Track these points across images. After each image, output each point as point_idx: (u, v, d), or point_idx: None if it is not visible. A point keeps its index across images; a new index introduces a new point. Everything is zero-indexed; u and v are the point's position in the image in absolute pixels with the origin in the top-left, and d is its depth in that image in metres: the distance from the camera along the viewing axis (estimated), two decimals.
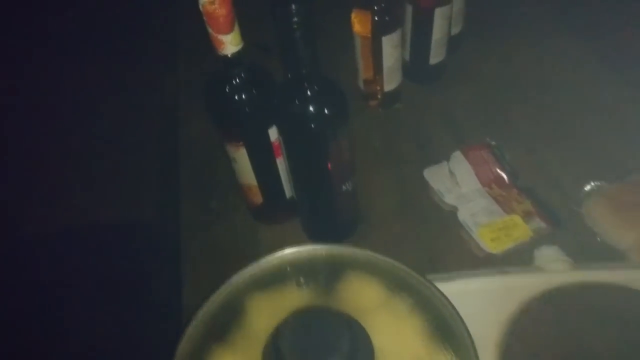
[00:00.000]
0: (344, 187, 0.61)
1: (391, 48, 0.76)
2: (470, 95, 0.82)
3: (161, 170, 0.81)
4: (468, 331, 0.42)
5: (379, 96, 0.83)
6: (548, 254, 0.59)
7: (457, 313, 0.42)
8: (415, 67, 0.85)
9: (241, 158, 0.61)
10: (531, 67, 0.85)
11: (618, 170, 0.67)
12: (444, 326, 0.43)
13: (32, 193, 0.99)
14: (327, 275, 0.47)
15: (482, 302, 0.54)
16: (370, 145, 0.78)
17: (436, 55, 0.84)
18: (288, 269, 0.47)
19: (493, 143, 0.71)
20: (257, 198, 0.67)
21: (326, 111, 0.55)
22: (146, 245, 0.94)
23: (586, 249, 0.62)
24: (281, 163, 0.63)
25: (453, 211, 0.67)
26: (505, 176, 0.68)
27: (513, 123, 0.76)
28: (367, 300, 0.45)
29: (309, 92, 0.53)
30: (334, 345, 0.35)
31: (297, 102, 0.54)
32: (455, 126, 0.77)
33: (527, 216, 0.64)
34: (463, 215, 0.65)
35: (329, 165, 0.59)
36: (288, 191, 0.67)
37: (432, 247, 0.64)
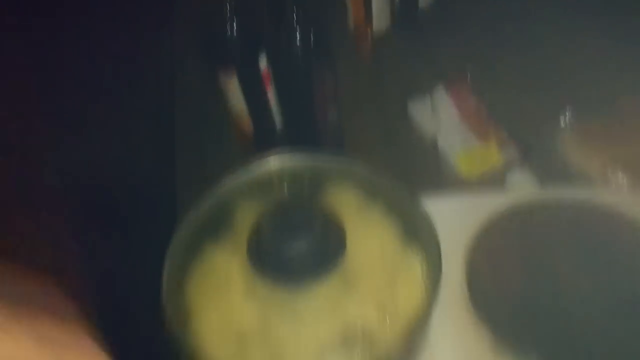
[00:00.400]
0: (328, 115, 0.65)
1: None
2: (456, 36, 0.85)
3: (157, 114, 0.84)
4: (436, 232, 0.46)
5: (368, 38, 0.86)
6: (518, 177, 0.64)
7: (428, 215, 0.47)
8: (404, 10, 0.88)
9: (233, 88, 0.65)
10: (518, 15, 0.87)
11: (592, 103, 0.70)
12: (415, 229, 0.48)
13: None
14: (309, 182, 0.51)
15: (452, 219, 0.58)
16: (357, 81, 0.81)
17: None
18: (273, 176, 0.51)
19: (473, 78, 0.75)
20: (248, 130, 0.71)
21: (310, 39, 0.58)
22: (142, 191, 0.98)
23: (556, 176, 0.66)
24: (272, 94, 0.67)
25: (432, 141, 0.71)
26: (483, 108, 0.72)
27: (494, 60, 0.79)
28: (345, 204, 0.49)
29: (295, 21, 0.56)
30: (306, 228, 0.40)
31: (283, 30, 0.58)
32: (438, 64, 0.81)
33: (501, 145, 0.68)
34: (442, 143, 0.69)
35: (314, 94, 0.63)
36: (279, 123, 0.71)
37: (411, 173, 0.69)
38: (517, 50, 0.79)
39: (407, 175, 0.68)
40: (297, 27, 0.57)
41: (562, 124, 0.69)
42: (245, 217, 0.49)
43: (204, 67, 0.73)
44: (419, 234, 0.47)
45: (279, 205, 0.42)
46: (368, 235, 0.48)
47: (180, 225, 0.47)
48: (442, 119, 0.72)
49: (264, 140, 0.73)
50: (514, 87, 0.74)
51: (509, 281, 0.52)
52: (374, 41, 0.85)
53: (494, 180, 0.66)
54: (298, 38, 0.58)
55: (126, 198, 0.58)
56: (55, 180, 0.40)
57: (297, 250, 0.39)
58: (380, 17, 0.84)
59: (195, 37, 0.62)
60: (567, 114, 0.69)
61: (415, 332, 0.44)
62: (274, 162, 0.52)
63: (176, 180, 0.73)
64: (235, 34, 0.60)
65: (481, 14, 0.86)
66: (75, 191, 0.45)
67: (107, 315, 0.43)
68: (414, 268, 0.46)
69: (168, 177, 0.74)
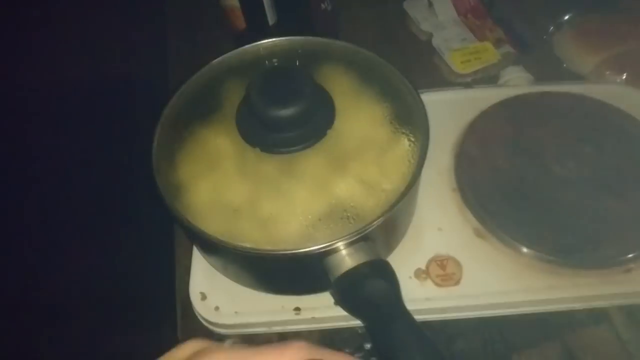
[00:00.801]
0: (322, 5, 0.63)
1: None
2: None
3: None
4: (425, 113, 0.46)
5: None
6: (512, 72, 0.63)
7: (419, 98, 0.47)
8: None
9: None
10: None
11: (589, 2, 0.69)
12: (405, 112, 0.48)
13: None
14: (301, 60, 0.50)
15: (444, 110, 0.58)
16: None
17: None
18: (264, 57, 0.51)
19: None
20: (240, 22, 0.69)
21: None
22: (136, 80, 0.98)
23: (551, 73, 0.66)
24: None
25: (428, 39, 0.70)
26: (481, 6, 0.70)
27: None
28: (337, 83, 0.49)
29: None
30: (295, 94, 0.40)
31: None
32: None
33: (497, 43, 0.67)
34: (437, 41, 0.68)
35: None
36: (271, 17, 0.69)
37: (406, 71, 0.68)
38: None
39: (402, 71, 0.68)
40: None
41: (562, 24, 0.68)
42: (235, 96, 0.48)
43: None
44: (409, 117, 0.47)
45: (268, 73, 0.42)
46: (359, 114, 0.47)
47: (170, 101, 0.47)
48: (439, 16, 0.71)
49: (257, 36, 0.71)
50: None
51: (498, 167, 0.53)
52: None
53: (489, 78, 0.66)
54: None
55: None
56: None
57: (286, 114, 0.39)
58: None
59: None
60: (567, 14, 0.68)
61: (399, 210, 0.45)
62: (266, 45, 0.51)
63: (169, 75, 0.72)
64: None
65: None
66: None
67: None
68: (402, 148, 0.46)
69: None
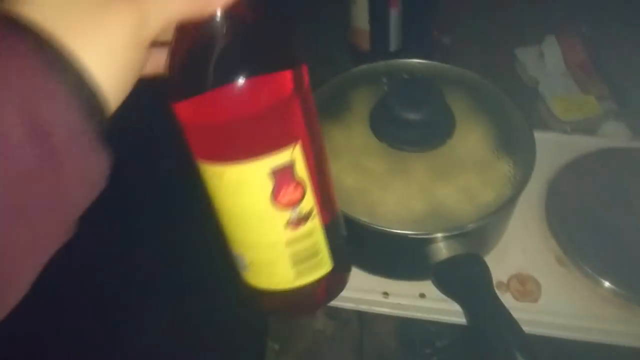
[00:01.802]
0: (444, 40, 0.71)
1: None
2: None
3: None
4: (533, 142, 0.52)
5: None
6: (612, 128, 0.67)
7: (528, 128, 0.52)
8: None
9: (361, 0, 0.72)
10: None
11: None
12: (513, 137, 0.53)
13: None
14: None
15: (545, 149, 0.61)
16: (469, 23, 0.85)
17: None
18: (388, 74, 0.58)
19: (588, 32, 0.77)
20: (365, 44, 0.77)
21: None
22: None
23: None
24: (394, 13, 0.73)
25: (533, 85, 0.75)
26: (589, 62, 0.75)
27: (609, 18, 0.81)
28: (454, 102, 0.55)
29: None
30: (427, 103, 0.47)
31: None
32: (554, 16, 0.83)
33: (601, 98, 0.71)
34: (542, 87, 0.73)
35: (435, 18, 0.68)
36: (393, 43, 0.77)
37: None
38: (634, 10, 0.80)
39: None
40: None
41: None
42: (359, 102, 0.56)
43: None
44: (516, 144, 0.53)
45: (405, 80, 0.49)
46: (472, 133, 0.53)
47: None
48: (547, 65, 0.76)
49: (379, 57, 0.79)
50: (624, 47, 0.77)
51: (587, 205, 0.57)
52: None
53: (588, 129, 0.70)
54: None
55: None
56: None
57: (416, 119, 0.46)
58: None
59: None
60: None
61: (494, 222, 0.50)
62: (390, 64, 0.59)
63: None
64: None
65: None
66: None
67: None
68: (504, 170, 0.52)
69: None
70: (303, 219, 0.30)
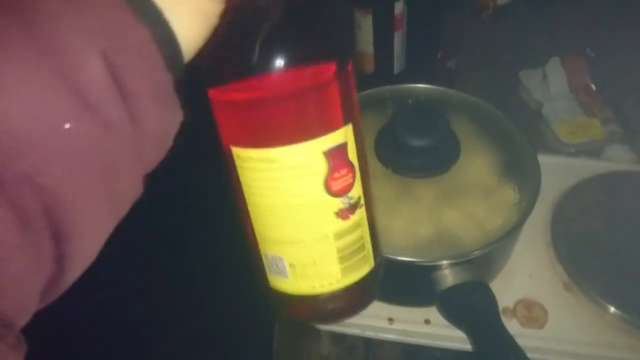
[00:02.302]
0: (448, 64, 0.71)
1: None
2: (578, 16, 0.87)
3: None
4: (539, 171, 0.52)
5: (490, 10, 0.91)
6: (616, 150, 0.67)
7: (533, 152, 0.53)
8: None
9: (366, 25, 0.73)
10: None
11: None
12: (518, 162, 0.54)
13: None
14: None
15: (550, 173, 0.61)
16: (473, 47, 0.86)
17: None
18: (392, 99, 0.59)
19: (592, 55, 0.78)
20: (369, 67, 0.78)
21: None
22: None
23: None
24: (398, 37, 0.74)
25: (537, 108, 0.75)
26: (594, 86, 0.76)
27: (614, 42, 0.81)
28: (459, 127, 0.55)
29: None
30: (433, 129, 0.47)
31: None
32: (558, 39, 0.84)
33: (605, 121, 0.72)
34: (547, 110, 0.74)
35: (440, 42, 0.69)
36: (397, 66, 0.78)
37: None
38: (637, 33, 0.81)
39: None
40: None
41: None
42: (365, 126, 0.56)
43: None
44: (521, 170, 0.53)
45: (411, 106, 0.49)
46: (476, 157, 0.54)
47: None
48: (551, 88, 0.76)
49: (383, 80, 0.80)
50: (628, 70, 0.77)
51: (593, 230, 0.57)
52: (498, 8, 0.89)
53: (592, 152, 0.70)
54: None
55: None
56: None
57: (421, 145, 0.46)
58: None
59: None
60: None
61: (499, 248, 0.50)
62: (394, 89, 0.59)
63: None
64: None
65: None
66: None
67: None
68: (509, 196, 0.52)
69: None
70: (352, 207, 0.29)
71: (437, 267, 0.44)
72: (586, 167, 0.64)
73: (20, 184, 0.18)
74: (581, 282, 0.54)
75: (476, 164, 0.53)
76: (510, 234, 0.49)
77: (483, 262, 0.48)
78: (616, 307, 0.51)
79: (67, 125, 0.18)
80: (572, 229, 0.57)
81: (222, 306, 0.67)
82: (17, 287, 0.18)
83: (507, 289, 0.54)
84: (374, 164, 0.51)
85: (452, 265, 0.45)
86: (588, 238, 0.56)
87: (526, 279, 0.55)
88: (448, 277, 0.44)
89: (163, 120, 0.22)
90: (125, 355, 0.67)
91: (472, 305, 0.41)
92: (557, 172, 0.63)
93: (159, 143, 0.22)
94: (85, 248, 0.21)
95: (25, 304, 0.19)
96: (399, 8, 0.70)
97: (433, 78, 0.73)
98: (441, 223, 0.49)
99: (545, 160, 0.65)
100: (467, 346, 0.49)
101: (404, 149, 0.47)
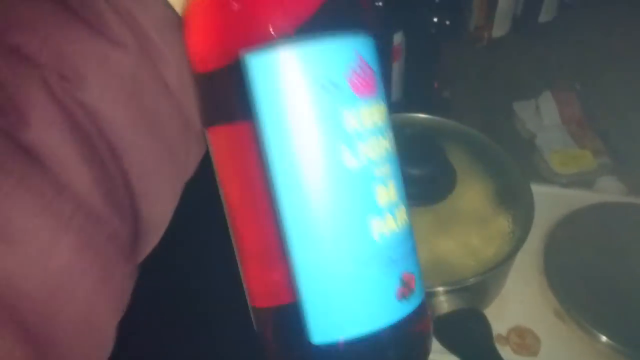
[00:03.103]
0: (445, 93, 0.73)
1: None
2: (569, 50, 0.90)
3: None
4: (532, 197, 0.53)
5: (485, 42, 0.94)
6: (607, 181, 0.69)
7: (527, 183, 0.54)
8: (524, 20, 0.94)
9: None
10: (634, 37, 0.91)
11: None
12: (511, 192, 0.55)
13: None
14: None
15: (542, 203, 0.62)
16: (469, 77, 0.89)
17: (547, 15, 0.93)
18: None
19: (579, 88, 0.80)
20: None
21: (444, 26, 0.67)
22: None
23: None
24: (396, 67, 0.76)
25: (530, 139, 0.78)
26: (584, 118, 0.78)
27: (603, 75, 0.84)
28: (455, 157, 0.57)
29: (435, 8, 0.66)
30: (429, 158, 0.48)
31: (423, 14, 0.67)
32: (549, 73, 0.87)
33: (596, 153, 0.74)
34: (539, 141, 0.76)
35: (437, 72, 0.71)
36: (395, 94, 0.80)
37: None
38: (625, 68, 0.83)
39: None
40: (439, 11, 0.65)
41: None
42: None
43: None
44: (514, 199, 0.54)
45: (406, 138, 0.51)
46: (471, 187, 0.55)
47: None
48: (544, 120, 0.79)
49: None
50: (618, 103, 0.80)
51: (585, 260, 0.58)
52: (492, 41, 0.92)
53: (583, 182, 0.72)
54: (435, 23, 0.67)
55: None
56: None
57: (418, 174, 0.48)
58: (501, 23, 0.91)
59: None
60: None
61: (493, 276, 0.51)
62: (391, 118, 0.61)
63: None
64: (380, 8, 0.70)
65: (596, 32, 0.91)
66: None
67: None
68: (503, 225, 0.53)
69: None
70: None
71: (432, 294, 0.45)
72: (578, 198, 0.66)
73: None
74: (572, 310, 0.55)
75: (471, 193, 0.55)
76: (504, 263, 0.50)
77: (478, 289, 0.49)
78: (607, 336, 0.52)
79: None
80: (564, 258, 0.59)
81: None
82: None
83: (500, 317, 0.55)
84: None
85: (447, 292, 0.46)
86: (580, 267, 0.58)
87: (519, 306, 0.56)
88: (443, 303, 0.45)
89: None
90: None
91: (466, 332, 0.42)
92: (550, 202, 0.65)
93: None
94: (156, 213, 0.22)
95: None
96: (397, 39, 0.73)
97: (429, 107, 0.75)
98: (437, 251, 0.51)
99: (538, 190, 0.67)
100: None
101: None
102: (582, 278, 0.57)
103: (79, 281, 0.18)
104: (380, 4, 0.69)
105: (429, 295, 0.46)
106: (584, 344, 0.53)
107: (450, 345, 0.43)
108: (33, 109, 0.17)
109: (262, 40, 0.19)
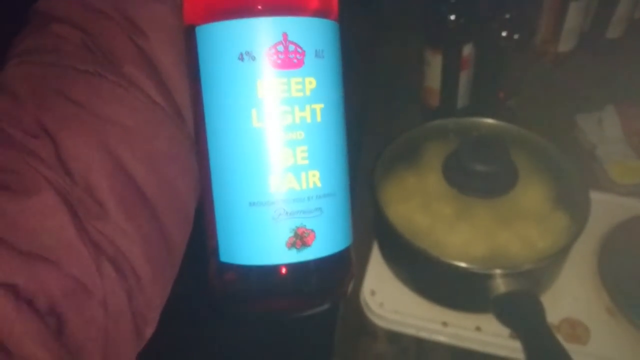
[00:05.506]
0: (508, 102, 0.78)
1: (575, 14, 0.90)
2: (635, 67, 0.92)
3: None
4: (589, 200, 0.57)
5: (551, 56, 0.97)
6: None
7: (585, 185, 0.59)
8: (592, 36, 0.97)
9: (435, 63, 0.81)
10: None
11: None
12: (570, 193, 0.59)
13: None
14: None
15: (600, 208, 0.65)
16: (533, 89, 0.92)
17: (615, 32, 0.95)
18: (455, 130, 0.66)
19: None
20: (435, 102, 0.86)
21: (514, 39, 0.72)
22: None
23: None
24: (464, 76, 0.81)
25: (591, 150, 0.81)
26: None
27: None
28: (517, 158, 0.62)
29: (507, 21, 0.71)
30: (496, 156, 0.54)
31: (495, 26, 0.72)
32: (614, 87, 0.89)
33: None
34: (600, 152, 0.79)
35: (503, 82, 0.76)
36: (460, 102, 0.85)
37: None
38: None
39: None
40: (509, 26, 0.71)
41: None
42: (433, 151, 0.64)
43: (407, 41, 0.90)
44: (572, 198, 0.59)
45: (476, 137, 0.57)
46: (531, 185, 0.60)
47: (385, 151, 0.64)
48: (606, 132, 0.81)
49: (446, 114, 0.88)
50: None
51: (638, 265, 0.62)
52: (557, 56, 0.95)
53: None
54: (504, 37, 0.72)
55: None
56: None
57: (484, 170, 0.53)
58: (568, 38, 0.94)
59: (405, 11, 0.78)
60: None
61: (546, 268, 0.56)
62: (459, 122, 0.67)
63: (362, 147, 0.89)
64: (452, 21, 0.76)
65: None
66: None
67: None
68: (560, 222, 0.58)
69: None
70: None
71: (491, 276, 0.51)
72: (635, 206, 0.69)
73: None
74: (624, 309, 0.58)
75: (531, 192, 0.59)
76: (558, 255, 0.54)
77: (532, 276, 0.54)
78: None
79: None
80: (618, 261, 0.62)
81: None
82: None
83: (553, 307, 0.59)
84: (440, 183, 0.58)
85: (504, 275, 0.51)
86: (633, 269, 0.61)
87: (571, 300, 0.60)
88: (500, 286, 0.50)
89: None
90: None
91: (523, 312, 0.47)
92: (607, 208, 0.68)
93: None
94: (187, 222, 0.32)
95: None
96: (467, 50, 0.78)
97: (493, 115, 0.80)
98: (496, 240, 0.56)
99: (596, 196, 0.70)
100: (515, 355, 0.54)
101: (469, 172, 0.54)
102: (635, 279, 0.60)
103: None
104: (453, 17, 0.75)
105: (488, 277, 0.51)
106: (634, 339, 0.56)
107: (507, 322, 0.48)
108: None
109: (207, 14, 0.26)
